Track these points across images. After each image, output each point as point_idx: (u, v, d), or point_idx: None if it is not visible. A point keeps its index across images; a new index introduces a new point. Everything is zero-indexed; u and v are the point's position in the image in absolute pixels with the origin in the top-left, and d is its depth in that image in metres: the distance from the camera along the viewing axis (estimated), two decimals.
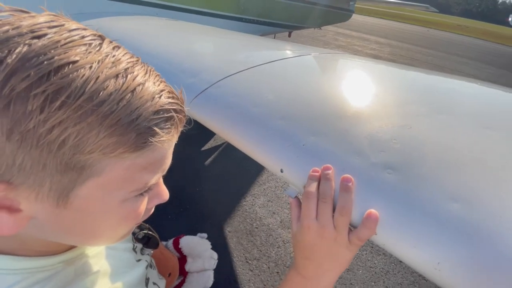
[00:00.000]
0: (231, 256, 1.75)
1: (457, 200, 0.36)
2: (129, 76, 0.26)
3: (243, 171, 2.50)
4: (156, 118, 0.27)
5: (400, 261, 1.87)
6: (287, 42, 1.35)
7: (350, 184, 0.38)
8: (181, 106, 0.30)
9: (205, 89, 0.67)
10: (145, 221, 0.56)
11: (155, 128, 0.26)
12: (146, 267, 0.49)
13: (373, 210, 0.36)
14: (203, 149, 2.73)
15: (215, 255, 0.91)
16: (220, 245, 1.81)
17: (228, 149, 2.76)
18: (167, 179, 0.35)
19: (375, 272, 1.77)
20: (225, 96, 0.64)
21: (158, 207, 0.36)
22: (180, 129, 0.31)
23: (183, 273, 0.86)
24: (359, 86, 0.76)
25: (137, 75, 0.26)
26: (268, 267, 1.72)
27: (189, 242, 0.87)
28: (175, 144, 0.32)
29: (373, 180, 0.40)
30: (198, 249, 0.90)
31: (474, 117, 0.60)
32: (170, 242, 0.83)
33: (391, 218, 0.36)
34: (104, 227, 0.31)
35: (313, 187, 0.40)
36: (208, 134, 2.88)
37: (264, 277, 1.66)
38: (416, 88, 0.80)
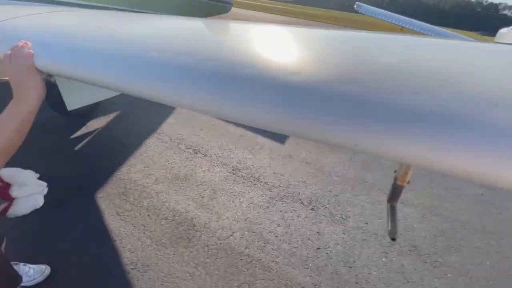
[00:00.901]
0: (102, 214, 1.86)
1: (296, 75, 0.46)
2: None
3: (119, 150, 2.59)
4: None
5: (279, 196, 2.27)
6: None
7: (27, 45, 0.65)
8: None
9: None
10: None
11: None
12: None
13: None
14: (72, 136, 2.69)
15: (43, 183, 1.05)
16: (91, 211, 1.88)
17: (102, 135, 2.80)
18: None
19: (252, 203, 2.16)
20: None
21: None
22: None
23: (9, 199, 0.97)
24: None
25: None
26: (140, 214, 1.91)
27: (9, 172, 0.98)
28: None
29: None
30: (22, 177, 1.02)
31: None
32: None
33: None
34: None
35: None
36: (78, 123, 2.86)
37: (135, 221, 1.84)
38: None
